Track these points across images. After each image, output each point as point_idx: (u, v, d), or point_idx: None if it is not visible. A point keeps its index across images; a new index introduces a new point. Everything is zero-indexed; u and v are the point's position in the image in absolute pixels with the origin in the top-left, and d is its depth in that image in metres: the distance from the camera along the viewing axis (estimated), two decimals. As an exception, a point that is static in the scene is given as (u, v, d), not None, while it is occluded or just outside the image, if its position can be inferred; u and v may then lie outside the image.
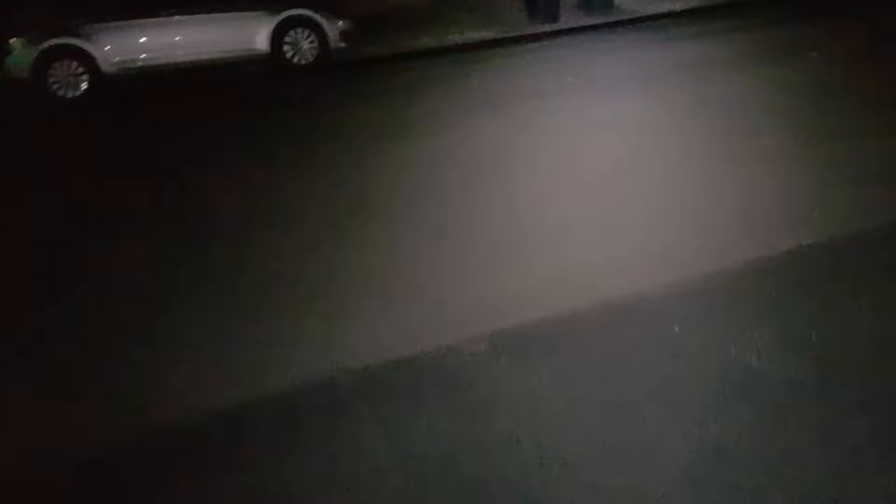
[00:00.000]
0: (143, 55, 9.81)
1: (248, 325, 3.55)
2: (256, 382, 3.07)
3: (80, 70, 9.53)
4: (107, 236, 4.99)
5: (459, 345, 3.18)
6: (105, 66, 9.63)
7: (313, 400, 2.92)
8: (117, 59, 9.68)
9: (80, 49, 9.50)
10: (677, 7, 12.28)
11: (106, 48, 9.61)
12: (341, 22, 10.64)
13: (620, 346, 3.07)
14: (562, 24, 11.99)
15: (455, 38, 11.50)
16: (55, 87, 9.47)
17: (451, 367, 3.04)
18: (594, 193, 4.91)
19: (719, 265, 3.69)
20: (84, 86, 9.57)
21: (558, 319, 3.32)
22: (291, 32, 10.36)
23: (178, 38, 9.90)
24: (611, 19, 12.06)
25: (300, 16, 10.37)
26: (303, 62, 10.47)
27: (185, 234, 4.87)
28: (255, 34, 10.23)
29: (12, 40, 9.43)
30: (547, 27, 11.84)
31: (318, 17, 10.43)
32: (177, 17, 9.88)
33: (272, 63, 10.35)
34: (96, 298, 4.05)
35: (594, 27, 11.80)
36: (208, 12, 10.07)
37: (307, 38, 10.44)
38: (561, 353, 3.07)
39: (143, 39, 9.77)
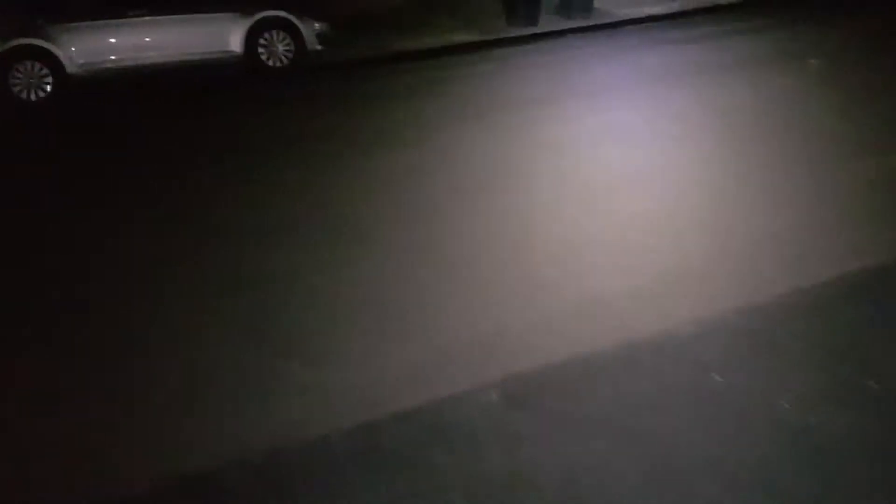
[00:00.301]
0: (112, 56, 9.41)
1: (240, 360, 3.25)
2: (237, 439, 2.73)
3: (45, 71, 9.10)
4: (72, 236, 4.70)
5: (467, 393, 2.85)
6: (71, 68, 9.21)
7: (303, 459, 2.58)
8: (83, 60, 9.27)
9: (45, 50, 9.07)
10: (657, 10, 12.14)
11: (72, 49, 9.19)
12: (318, 24, 10.33)
13: (654, 397, 2.79)
14: (542, 27, 11.81)
15: (434, 41, 11.25)
16: (17, 88, 9.02)
17: (459, 421, 2.70)
18: (603, 212, 4.62)
19: (753, 297, 3.43)
20: (48, 87, 9.14)
21: (579, 361, 3.03)
22: (266, 34, 10.02)
23: (147, 40, 9.50)
24: (591, 23, 11.91)
25: (275, 17, 10.04)
26: (278, 65, 10.13)
27: (145, 249, 4.55)
28: (229, 36, 9.87)
29: (-28, 41, 8.97)
30: (527, 31, 11.64)
31: (293, 19, 10.10)
32: (147, 18, 9.49)
33: (246, 65, 9.99)
34: (96, 300, 3.89)
35: (574, 31, 11.64)
36: (180, 13, 9.69)
37: (282, 40, 10.11)
38: (586, 404, 2.77)
39: (111, 40, 9.38)
